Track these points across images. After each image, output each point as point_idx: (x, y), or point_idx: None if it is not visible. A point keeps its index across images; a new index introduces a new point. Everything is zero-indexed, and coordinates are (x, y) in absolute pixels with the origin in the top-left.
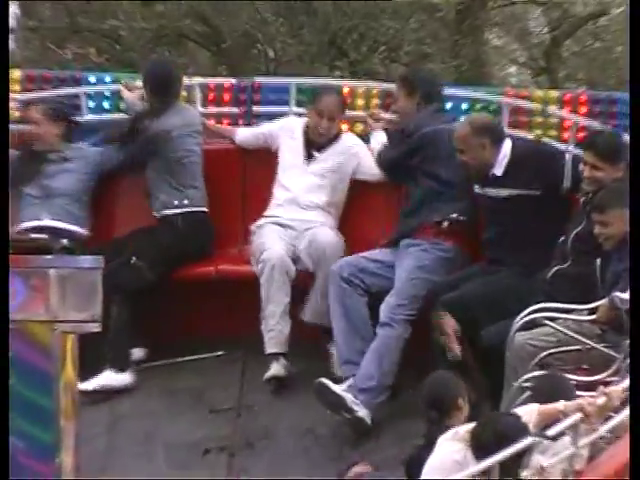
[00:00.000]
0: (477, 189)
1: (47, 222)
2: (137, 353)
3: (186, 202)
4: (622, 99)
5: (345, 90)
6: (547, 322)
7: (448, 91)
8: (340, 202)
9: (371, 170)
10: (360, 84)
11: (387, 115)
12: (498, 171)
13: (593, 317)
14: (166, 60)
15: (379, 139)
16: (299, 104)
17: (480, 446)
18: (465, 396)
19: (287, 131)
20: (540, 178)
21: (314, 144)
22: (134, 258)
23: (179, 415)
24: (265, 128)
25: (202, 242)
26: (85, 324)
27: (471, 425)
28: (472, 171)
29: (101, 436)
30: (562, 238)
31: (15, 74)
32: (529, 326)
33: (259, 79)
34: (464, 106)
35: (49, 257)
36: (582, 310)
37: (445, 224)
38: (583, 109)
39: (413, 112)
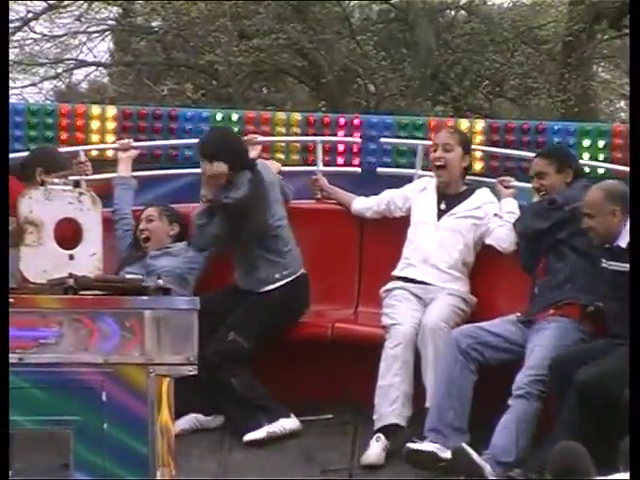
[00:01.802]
0: (603, 263)
1: None
2: None
3: (285, 273)
4: None
5: (448, 124)
6: None
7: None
8: (471, 262)
9: (502, 240)
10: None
11: (517, 183)
12: (622, 242)
13: None
14: (225, 128)
15: (510, 207)
16: (424, 167)
17: None
18: (593, 470)
19: (418, 190)
20: None
21: (445, 198)
22: (232, 334)
23: (290, 472)
24: (390, 192)
25: (301, 305)
26: (181, 367)
27: None
28: (597, 239)
29: None
30: None
31: (110, 111)
32: None
33: (385, 140)
34: (571, 140)
35: (144, 298)
36: None
37: (591, 308)
38: None
39: (562, 187)
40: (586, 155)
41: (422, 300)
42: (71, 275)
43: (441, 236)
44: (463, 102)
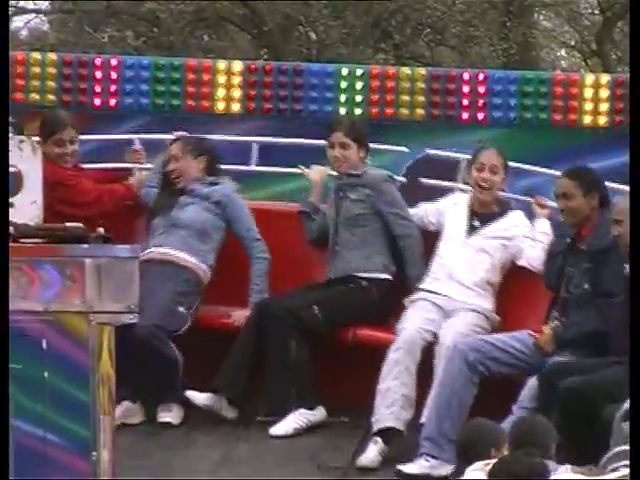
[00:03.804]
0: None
1: (167, 250)
2: None
3: (376, 268)
4: None
5: (390, 73)
6: None
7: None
8: (497, 283)
9: (534, 260)
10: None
11: (553, 204)
12: None
13: None
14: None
15: (543, 228)
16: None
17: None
18: (502, 447)
19: (452, 205)
20: None
21: (479, 216)
22: (316, 307)
23: (288, 468)
24: (425, 206)
25: (382, 310)
26: (122, 315)
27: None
28: (624, 246)
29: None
30: None
31: (51, 57)
32: None
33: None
34: (512, 88)
35: (85, 246)
36: None
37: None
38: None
39: (587, 213)
40: (527, 102)
41: (442, 310)
42: (11, 223)
43: (469, 254)
44: (404, 50)
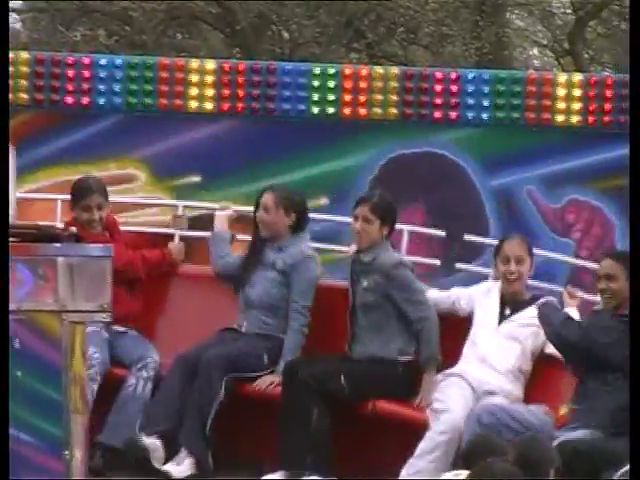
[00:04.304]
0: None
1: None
2: None
3: (412, 350)
4: None
5: (363, 72)
6: None
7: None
8: (528, 370)
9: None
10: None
11: (582, 294)
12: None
13: None
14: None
15: (573, 315)
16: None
17: None
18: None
19: (483, 291)
20: None
21: (510, 304)
22: (342, 378)
23: None
24: (456, 291)
25: (405, 387)
26: (94, 314)
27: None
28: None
29: None
30: None
31: (23, 56)
32: None
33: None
34: (485, 88)
35: (58, 245)
36: None
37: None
38: (609, 93)
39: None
40: (500, 102)
41: (475, 393)
42: None
43: (500, 341)
44: (377, 49)
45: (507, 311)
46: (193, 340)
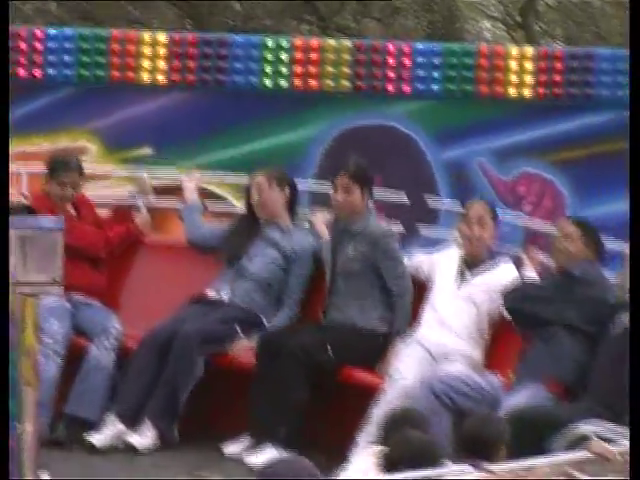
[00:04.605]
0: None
1: (228, 298)
2: None
3: (371, 322)
4: (599, 55)
5: (315, 45)
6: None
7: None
8: (486, 332)
9: None
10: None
11: (541, 256)
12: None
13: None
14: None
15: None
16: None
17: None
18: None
19: (445, 256)
20: None
21: (470, 268)
22: (330, 349)
23: None
24: (418, 259)
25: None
26: (46, 287)
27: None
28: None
29: None
30: None
31: None
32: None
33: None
34: (437, 60)
35: (9, 217)
36: None
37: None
38: (559, 65)
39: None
40: (451, 75)
41: (434, 358)
42: None
43: (459, 303)
44: (330, 22)
45: (467, 274)
46: (162, 311)
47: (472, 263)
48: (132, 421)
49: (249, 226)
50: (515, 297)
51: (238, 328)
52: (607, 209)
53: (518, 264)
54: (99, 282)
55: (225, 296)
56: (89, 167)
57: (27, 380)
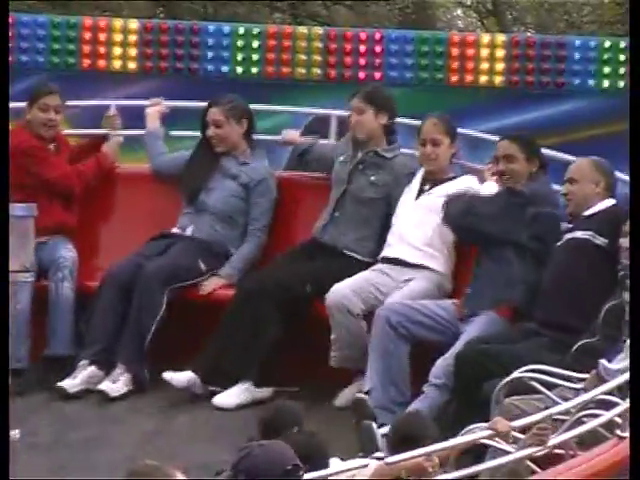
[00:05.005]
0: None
1: (191, 234)
2: None
3: (365, 252)
4: (571, 43)
5: (287, 32)
6: (537, 385)
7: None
8: (450, 241)
9: None
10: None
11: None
12: (588, 212)
13: (580, 386)
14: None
15: (489, 190)
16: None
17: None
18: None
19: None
20: (613, 231)
21: (429, 181)
22: (309, 287)
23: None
24: None
25: None
26: (17, 274)
27: None
28: (572, 206)
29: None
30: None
31: None
32: (521, 389)
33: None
34: (409, 48)
35: None
36: (580, 379)
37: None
38: (531, 53)
39: (527, 175)
40: (423, 63)
41: (394, 280)
42: None
43: (418, 215)
44: (301, 9)
45: (426, 187)
46: (136, 244)
47: (431, 179)
48: (103, 364)
49: (206, 159)
50: (458, 209)
51: (201, 263)
52: None
53: (481, 180)
54: (70, 220)
55: (188, 231)
56: None
57: None
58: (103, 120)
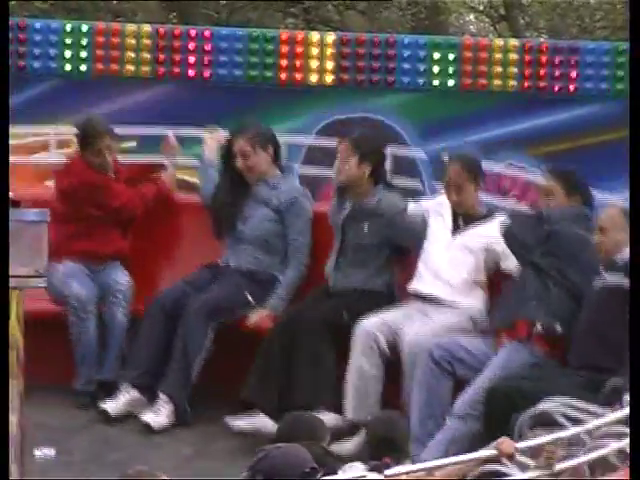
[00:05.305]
0: (599, 278)
1: (234, 265)
2: None
3: (377, 288)
4: (584, 48)
5: (299, 38)
6: (561, 420)
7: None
8: (483, 282)
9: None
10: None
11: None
12: (620, 258)
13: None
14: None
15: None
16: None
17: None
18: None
19: (436, 205)
20: None
21: (463, 217)
22: (346, 314)
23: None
24: (410, 208)
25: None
26: (30, 279)
27: None
28: (604, 254)
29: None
30: None
31: None
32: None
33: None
34: (421, 53)
35: None
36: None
37: (539, 328)
38: (544, 58)
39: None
40: (436, 68)
41: (425, 312)
42: None
43: (454, 253)
44: (314, 14)
45: (460, 223)
46: (182, 272)
47: (464, 213)
48: (144, 388)
49: (238, 188)
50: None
51: (248, 295)
52: None
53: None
54: (125, 248)
55: (231, 262)
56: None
57: (11, 373)
58: (161, 148)
